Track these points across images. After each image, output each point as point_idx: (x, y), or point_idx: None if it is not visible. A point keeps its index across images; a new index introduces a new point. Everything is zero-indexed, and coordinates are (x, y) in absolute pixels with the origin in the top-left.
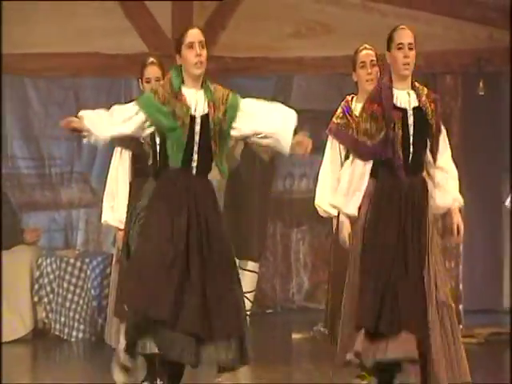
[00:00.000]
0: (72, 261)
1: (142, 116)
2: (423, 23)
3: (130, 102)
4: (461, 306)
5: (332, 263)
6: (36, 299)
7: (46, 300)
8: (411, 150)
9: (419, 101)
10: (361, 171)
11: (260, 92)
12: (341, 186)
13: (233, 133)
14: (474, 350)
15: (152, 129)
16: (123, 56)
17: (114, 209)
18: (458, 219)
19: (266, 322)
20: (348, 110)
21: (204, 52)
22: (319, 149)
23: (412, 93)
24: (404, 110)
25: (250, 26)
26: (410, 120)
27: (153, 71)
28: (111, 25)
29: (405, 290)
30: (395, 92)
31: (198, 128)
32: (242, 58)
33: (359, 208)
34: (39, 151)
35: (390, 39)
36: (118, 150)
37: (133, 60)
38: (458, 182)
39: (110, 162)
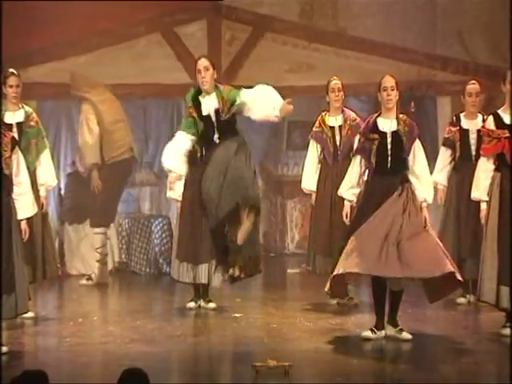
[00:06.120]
0: (142, 221)
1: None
2: (375, 63)
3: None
4: None
5: (311, 222)
6: (119, 246)
7: (125, 246)
8: (389, 159)
9: (397, 125)
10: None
11: None
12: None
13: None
14: None
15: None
16: (175, 85)
17: (174, 188)
18: (425, 214)
19: (270, 262)
20: (323, 122)
21: (208, 73)
22: (305, 146)
23: (394, 121)
24: (384, 133)
25: (259, 65)
26: (389, 140)
27: None
28: (168, 64)
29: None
30: (380, 120)
31: (214, 118)
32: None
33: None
34: None
35: (379, 85)
36: None
37: (181, 88)
38: (429, 185)
39: None
